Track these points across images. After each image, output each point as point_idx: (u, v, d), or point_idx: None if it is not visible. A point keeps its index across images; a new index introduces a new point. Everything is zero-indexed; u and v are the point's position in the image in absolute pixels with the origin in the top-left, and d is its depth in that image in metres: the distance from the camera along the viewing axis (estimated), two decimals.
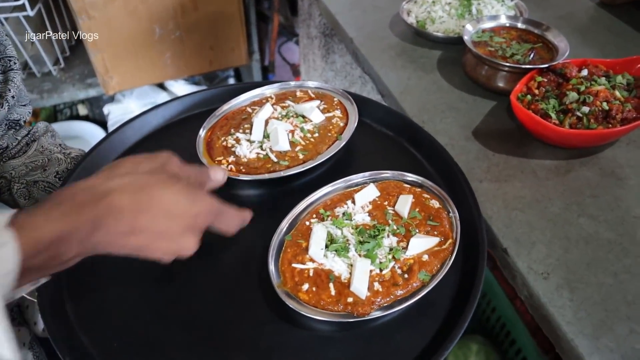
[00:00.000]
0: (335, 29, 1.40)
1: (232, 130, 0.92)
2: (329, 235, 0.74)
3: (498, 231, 0.84)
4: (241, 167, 0.86)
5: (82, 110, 2.62)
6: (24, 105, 0.87)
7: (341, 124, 0.94)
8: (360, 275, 0.68)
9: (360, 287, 0.68)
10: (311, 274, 0.71)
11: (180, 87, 2.55)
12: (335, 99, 0.99)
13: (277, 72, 2.86)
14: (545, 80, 1.01)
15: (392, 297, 0.69)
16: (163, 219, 0.56)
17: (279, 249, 0.75)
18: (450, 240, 0.74)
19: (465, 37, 1.10)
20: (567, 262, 0.80)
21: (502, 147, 0.99)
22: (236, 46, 2.30)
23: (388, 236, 0.74)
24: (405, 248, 0.72)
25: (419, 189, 0.82)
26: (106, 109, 2.50)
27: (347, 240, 0.74)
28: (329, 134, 0.91)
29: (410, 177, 0.83)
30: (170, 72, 2.26)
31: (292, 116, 0.94)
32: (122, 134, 0.93)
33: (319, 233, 0.74)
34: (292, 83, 1.02)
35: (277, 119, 0.93)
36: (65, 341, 0.65)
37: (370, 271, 0.70)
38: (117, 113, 2.46)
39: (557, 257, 0.81)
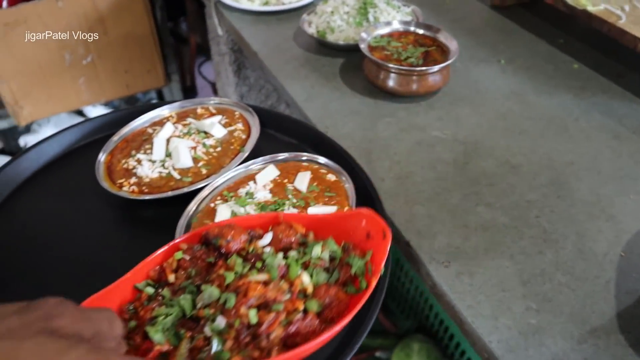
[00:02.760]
0: (241, 44, 1.42)
1: (133, 152, 0.91)
2: (233, 214, 0.77)
3: (400, 226, 0.87)
4: (144, 188, 0.85)
5: None
6: None
7: (243, 137, 0.95)
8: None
9: None
10: None
11: (99, 113, 2.49)
12: (236, 113, 1.00)
13: (200, 92, 2.85)
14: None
15: None
16: None
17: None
18: (346, 208, 0.78)
19: (362, 44, 1.14)
20: (466, 249, 0.84)
21: (402, 146, 1.03)
22: (152, 68, 2.28)
23: (288, 209, 0.77)
24: None
25: (317, 166, 0.87)
26: (22, 141, 2.42)
27: None
28: (232, 147, 0.92)
29: (306, 156, 0.88)
30: (85, 98, 2.21)
31: (194, 133, 0.94)
32: (16, 166, 0.90)
33: (223, 212, 0.76)
34: (192, 101, 1.02)
35: (179, 137, 0.93)
36: None
37: None
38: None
39: (457, 245, 0.84)
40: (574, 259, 0.83)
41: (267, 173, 0.85)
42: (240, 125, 0.96)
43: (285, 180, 0.84)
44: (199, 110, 1.01)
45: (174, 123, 0.96)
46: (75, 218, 0.85)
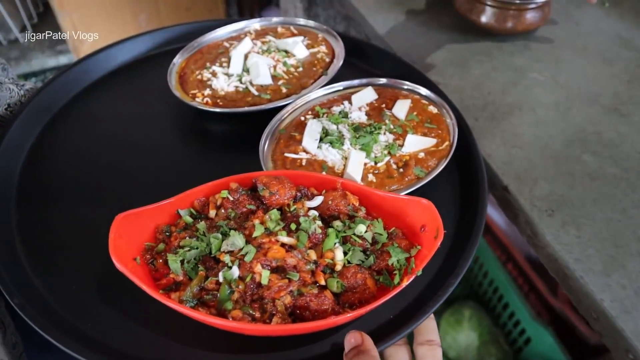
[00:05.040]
0: None
1: (208, 64, 0.84)
2: (324, 130, 0.72)
3: (497, 169, 0.78)
4: (218, 101, 0.78)
5: None
6: None
7: (327, 60, 0.86)
8: (355, 164, 0.66)
9: (353, 175, 0.65)
10: (304, 164, 0.69)
11: None
12: (319, 36, 0.92)
13: None
14: None
15: (386, 189, 0.65)
16: None
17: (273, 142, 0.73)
18: (447, 143, 0.71)
19: None
20: (572, 198, 0.74)
21: (496, 86, 0.93)
22: (214, 7, 2.20)
23: (384, 133, 0.72)
24: (402, 145, 0.70)
25: (417, 96, 0.79)
26: None
27: (342, 135, 0.71)
28: (314, 69, 0.84)
29: (408, 85, 0.81)
30: None
31: (274, 51, 0.86)
32: (85, 67, 0.85)
33: (313, 126, 0.71)
34: (274, 19, 0.94)
35: (258, 53, 0.86)
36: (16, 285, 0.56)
37: (365, 164, 0.67)
38: None
39: (562, 193, 0.75)
40: None
41: (364, 95, 0.78)
42: (323, 48, 0.88)
43: (383, 105, 0.77)
44: (280, 30, 0.93)
45: (252, 39, 0.89)
46: (142, 125, 0.79)
